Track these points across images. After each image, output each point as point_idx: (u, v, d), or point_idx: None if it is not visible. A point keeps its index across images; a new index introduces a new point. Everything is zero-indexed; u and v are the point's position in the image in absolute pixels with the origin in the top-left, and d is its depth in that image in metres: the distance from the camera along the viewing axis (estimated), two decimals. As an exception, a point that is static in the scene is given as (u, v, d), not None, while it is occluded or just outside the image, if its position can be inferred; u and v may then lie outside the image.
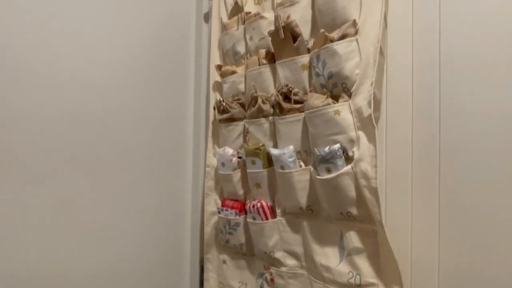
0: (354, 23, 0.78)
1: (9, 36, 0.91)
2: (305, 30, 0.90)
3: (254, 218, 1.00)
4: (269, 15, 1.00)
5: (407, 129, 0.75)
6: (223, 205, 1.11)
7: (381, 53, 0.75)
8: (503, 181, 0.63)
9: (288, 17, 0.90)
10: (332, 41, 0.79)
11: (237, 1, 1.13)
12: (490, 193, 0.64)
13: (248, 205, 1.02)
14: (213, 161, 1.17)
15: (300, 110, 0.89)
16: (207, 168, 1.18)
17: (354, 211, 0.77)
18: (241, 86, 1.08)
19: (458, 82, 0.69)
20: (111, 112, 1.09)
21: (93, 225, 1.05)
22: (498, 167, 0.64)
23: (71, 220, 1.00)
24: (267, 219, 0.98)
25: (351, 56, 0.77)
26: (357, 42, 0.77)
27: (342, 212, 0.79)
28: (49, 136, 0.97)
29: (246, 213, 1.05)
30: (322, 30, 0.81)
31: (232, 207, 1.07)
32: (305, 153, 0.90)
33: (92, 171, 1.05)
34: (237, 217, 1.06)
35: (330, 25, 0.82)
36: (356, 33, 0.78)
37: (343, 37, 0.79)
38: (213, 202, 1.16)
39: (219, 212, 1.11)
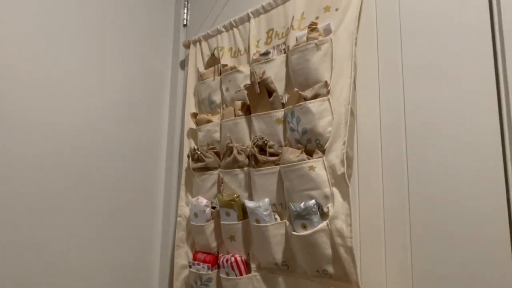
0: (326, 84, 0.83)
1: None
2: (279, 86, 0.94)
3: (227, 274, 0.96)
4: (245, 69, 1.03)
5: (378, 185, 0.77)
6: (194, 259, 1.05)
7: (352, 114, 0.80)
8: (472, 230, 0.66)
9: (264, 73, 0.94)
10: (305, 99, 0.83)
11: (213, 52, 1.17)
12: (461, 245, 0.67)
13: (221, 259, 0.98)
14: (185, 210, 1.12)
15: (275, 163, 0.90)
16: (178, 218, 1.13)
17: (330, 269, 0.76)
18: (217, 135, 1.08)
19: (423, 137, 0.73)
20: (80, 158, 1.05)
21: (57, 279, 0.95)
22: (467, 217, 0.67)
23: (39, 269, 0.91)
24: (241, 274, 0.94)
25: (324, 115, 0.81)
26: (329, 102, 0.81)
27: (318, 270, 0.78)
28: (17, 183, 0.91)
29: (219, 267, 1.00)
30: (296, 89, 0.85)
31: (204, 261, 1.02)
32: (281, 206, 0.89)
33: (55, 220, 0.98)
34: (210, 271, 1.01)
35: (303, 84, 0.87)
36: (328, 93, 0.82)
37: (315, 96, 0.83)
38: (184, 255, 1.10)
39: (190, 266, 1.05)
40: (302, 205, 0.78)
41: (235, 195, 0.97)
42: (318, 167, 0.79)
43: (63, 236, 1.00)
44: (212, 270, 1.00)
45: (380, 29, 0.82)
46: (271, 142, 0.91)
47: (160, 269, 1.20)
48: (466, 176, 0.67)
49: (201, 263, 1.03)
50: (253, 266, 0.94)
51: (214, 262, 1.01)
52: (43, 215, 0.96)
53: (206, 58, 1.20)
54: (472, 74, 0.69)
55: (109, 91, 1.14)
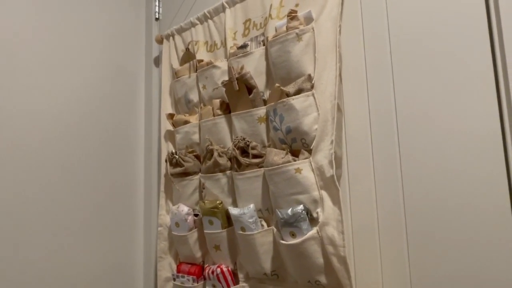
0: (309, 78, 0.76)
1: None
2: (259, 81, 0.86)
3: (214, 286, 0.89)
4: (222, 64, 0.95)
5: (370, 186, 0.71)
6: (178, 271, 0.98)
7: (339, 109, 0.73)
8: (469, 230, 0.61)
9: (242, 68, 0.86)
10: (288, 95, 0.76)
11: (188, 47, 1.08)
12: (463, 249, 0.62)
13: (207, 270, 0.91)
14: (166, 219, 1.05)
15: (259, 166, 0.83)
16: (159, 228, 1.05)
17: (322, 279, 0.70)
18: (195, 137, 1.00)
19: (417, 131, 0.67)
20: (55, 165, 0.97)
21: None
22: (468, 216, 0.61)
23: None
24: (228, 286, 0.87)
25: (309, 111, 0.74)
26: (314, 97, 0.74)
27: (310, 281, 0.72)
28: None
29: (205, 279, 0.93)
30: (277, 85, 0.77)
31: (189, 273, 0.95)
32: (267, 211, 0.83)
33: (31, 232, 0.90)
34: (195, 284, 0.94)
35: (285, 78, 0.79)
36: (312, 87, 0.75)
37: (299, 91, 0.76)
38: (167, 267, 1.03)
39: (174, 279, 0.98)
40: (289, 211, 0.72)
41: (218, 202, 0.90)
42: (305, 169, 0.73)
43: (38, 246, 0.91)
44: (197, 283, 0.94)
45: (365, 14, 0.75)
46: (253, 143, 0.84)
47: (145, 282, 1.13)
48: (466, 171, 0.62)
49: (185, 275, 0.96)
50: (240, 276, 0.88)
51: (200, 274, 0.95)
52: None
53: (181, 54, 1.11)
54: (468, 60, 0.63)
55: (78, 95, 1.04)
